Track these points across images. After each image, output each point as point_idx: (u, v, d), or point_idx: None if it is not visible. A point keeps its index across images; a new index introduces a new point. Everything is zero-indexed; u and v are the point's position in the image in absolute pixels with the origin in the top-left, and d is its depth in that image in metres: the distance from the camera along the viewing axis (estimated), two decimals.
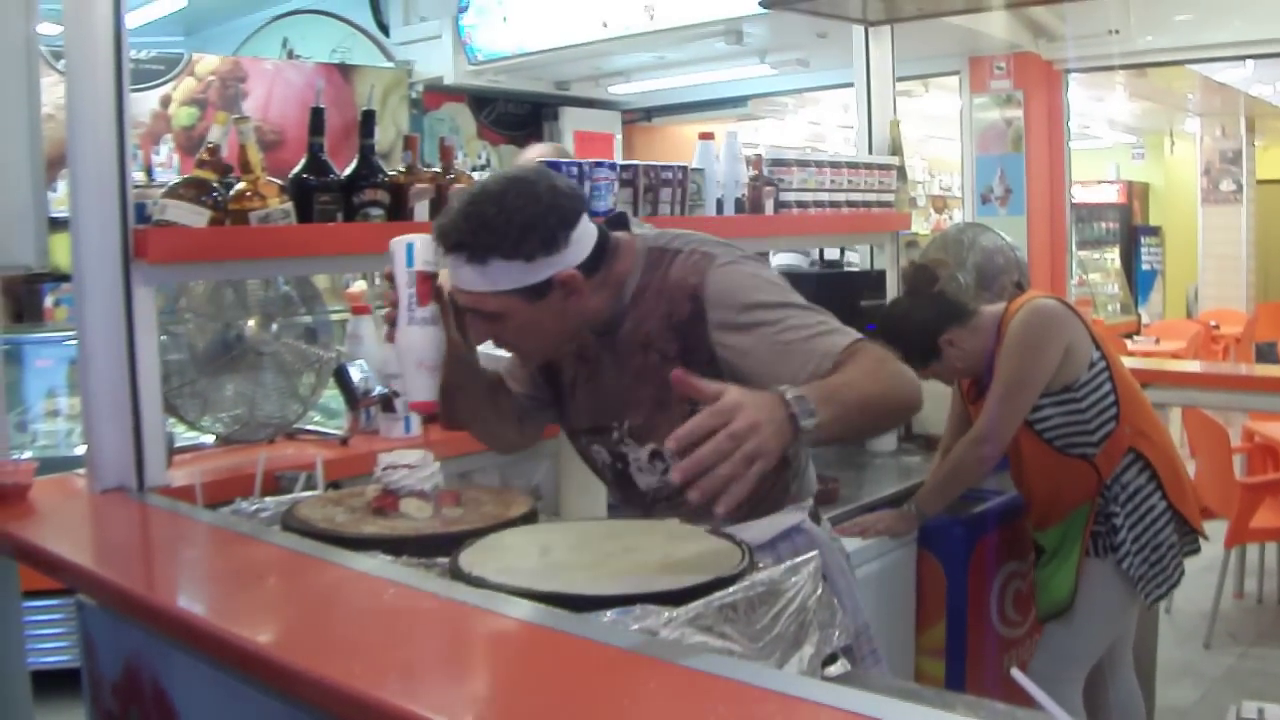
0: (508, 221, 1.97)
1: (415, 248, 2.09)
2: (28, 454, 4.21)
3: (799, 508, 2.28)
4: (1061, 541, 3.11)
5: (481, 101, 9.03)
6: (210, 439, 2.96)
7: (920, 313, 3.19)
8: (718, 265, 2.08)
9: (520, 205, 1.98)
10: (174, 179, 2.64)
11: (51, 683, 3.56)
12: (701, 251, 2.11)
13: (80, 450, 4.04)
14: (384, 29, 8.47)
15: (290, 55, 7.97)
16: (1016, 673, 1.02)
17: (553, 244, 2.00)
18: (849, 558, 2.43)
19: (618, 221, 2.24)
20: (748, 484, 1.61)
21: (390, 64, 8.26)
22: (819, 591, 1.77)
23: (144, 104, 6.88)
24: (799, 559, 1.80)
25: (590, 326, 2.14)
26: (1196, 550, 3.17)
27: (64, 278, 5.37)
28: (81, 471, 2.54)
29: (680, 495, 1.80)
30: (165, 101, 7.10)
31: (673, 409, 2.04)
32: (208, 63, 7.33)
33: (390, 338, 2.13)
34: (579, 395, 2.27)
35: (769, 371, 1.96)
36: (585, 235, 2.06)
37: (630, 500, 2.29)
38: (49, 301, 5.54)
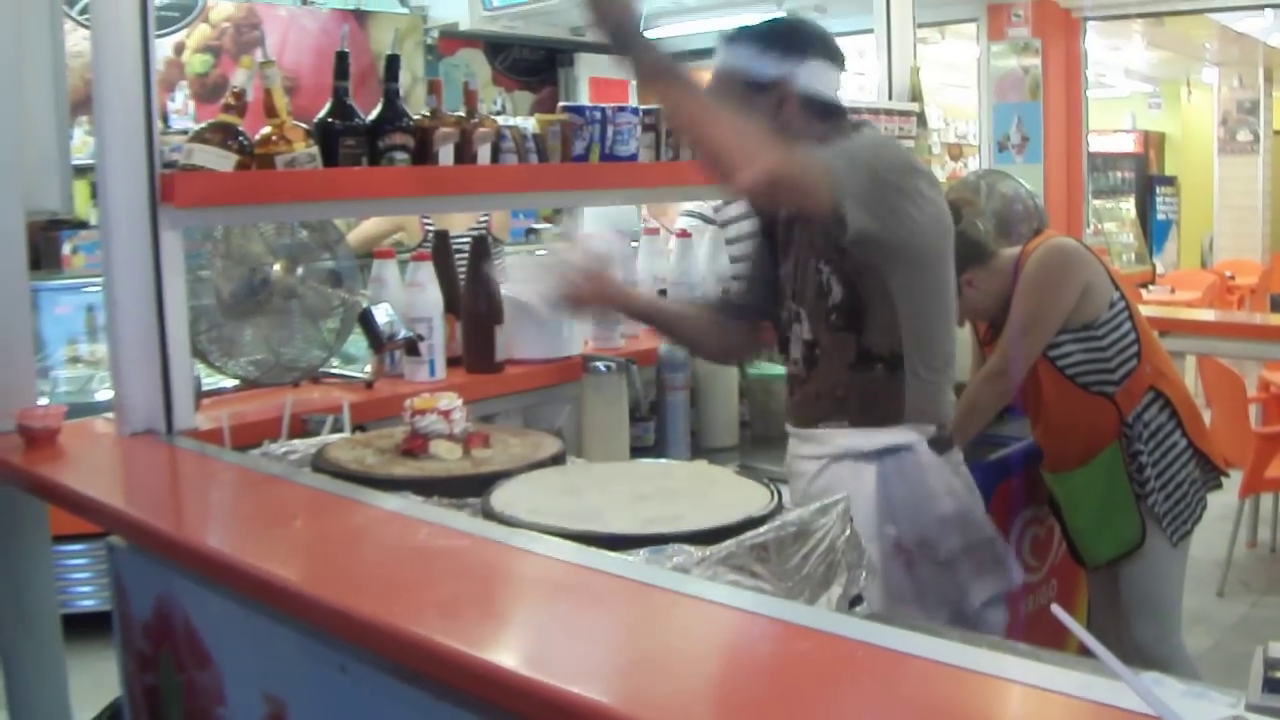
0: (772, 25, 2.39)
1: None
2: (48, 400, 4.24)
3: (918, 429, 2.37)
4: (1093, 485, 3.10)
5: (496, 48, 8.95)
6: (233, 383, 2.96)
7: None
8: None
9: (790, 23, 2.42)
10: (191, 126, 2.64)
11: (82, 625, 3.60)
12: None
13: (102, 396, 4.07)
14: None
15: (305, 1, 7.90)
16: (1057, 608, 1.03)
17: (793, 54, 2.32)
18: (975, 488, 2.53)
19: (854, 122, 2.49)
20: None
21: (405, 10, 8.19)
22: (847, 533, 1.79)
23: (157, 51, 6.84)
24: (828, 500, 1.82)
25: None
26: (1219, 485, 3.18)
27: (82, 225, 5.39)
28: (108, 416, 2.55)
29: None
30: (179, 49, 7.05)
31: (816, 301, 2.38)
32: (222, 9, 7.27)
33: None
34: (784, 268, 2.51)
35: None
36: (822, 80, 2.34)
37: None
38: (67, 249, 5.54)
